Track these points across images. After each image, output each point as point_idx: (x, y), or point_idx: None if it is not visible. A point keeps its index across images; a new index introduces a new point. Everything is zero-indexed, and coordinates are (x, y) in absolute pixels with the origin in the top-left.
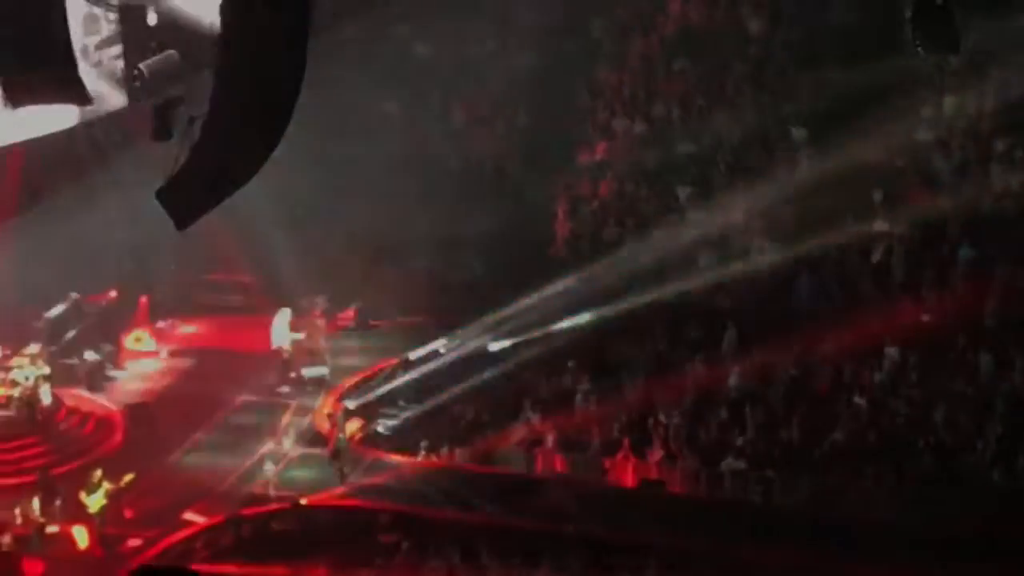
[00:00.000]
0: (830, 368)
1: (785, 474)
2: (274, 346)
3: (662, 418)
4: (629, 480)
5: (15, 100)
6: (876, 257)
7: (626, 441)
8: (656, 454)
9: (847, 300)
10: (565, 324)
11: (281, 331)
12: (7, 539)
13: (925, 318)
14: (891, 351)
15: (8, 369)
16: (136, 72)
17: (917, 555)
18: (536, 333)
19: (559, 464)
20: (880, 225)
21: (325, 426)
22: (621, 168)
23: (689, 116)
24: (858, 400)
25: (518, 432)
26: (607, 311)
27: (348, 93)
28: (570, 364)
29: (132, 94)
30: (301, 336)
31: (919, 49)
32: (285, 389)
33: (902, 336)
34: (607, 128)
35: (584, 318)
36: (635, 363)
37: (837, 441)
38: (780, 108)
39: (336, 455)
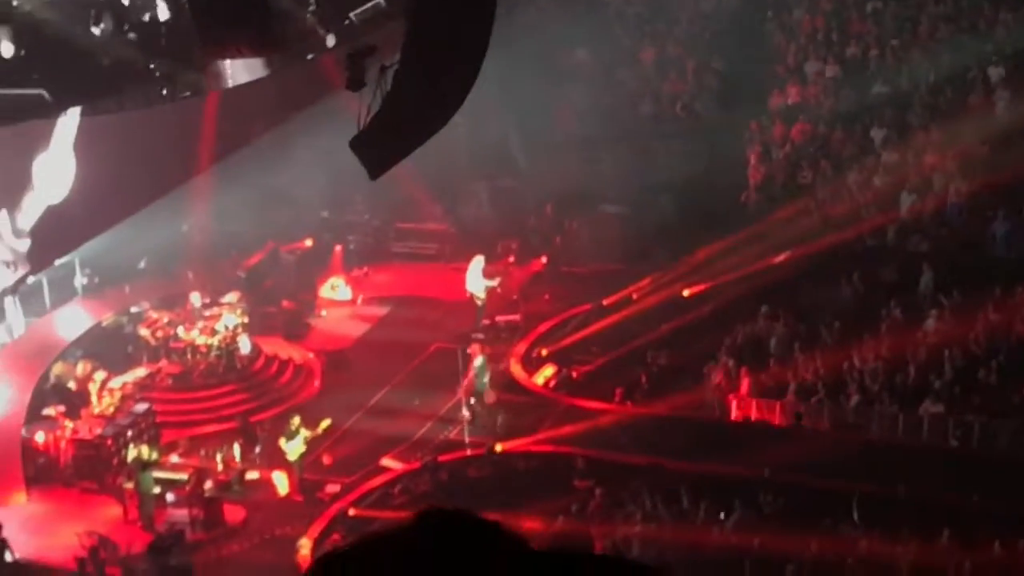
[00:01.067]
0: None
1: (984, 418)
2: (468, 293)
3: (858, 362)
4: (825, 425)
5: (212, 53)
6: None
7: (821, 386)
8: (852, 398)
9: None
10: (759, 269)
11: (475, 278)
12: (209, 485)
13: None
14: None
15: (208, 318)
16: (347, 21)
17: None
18: (730, 278)
19: (754, 409)
20: None
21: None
22: (814, 111)
23: (883, 57)
24: None
25: (713, 377)
26: (801, 255)
27: (539, 40)
28: (763, 309)
29: (339, 41)
30: (494, 283)
31: None
32: (479, 336)
33: None
34: (800, 71)
35: (778, 262)
36: (830, 307)
37: None
38: (977, 47)
39: (473, 398)
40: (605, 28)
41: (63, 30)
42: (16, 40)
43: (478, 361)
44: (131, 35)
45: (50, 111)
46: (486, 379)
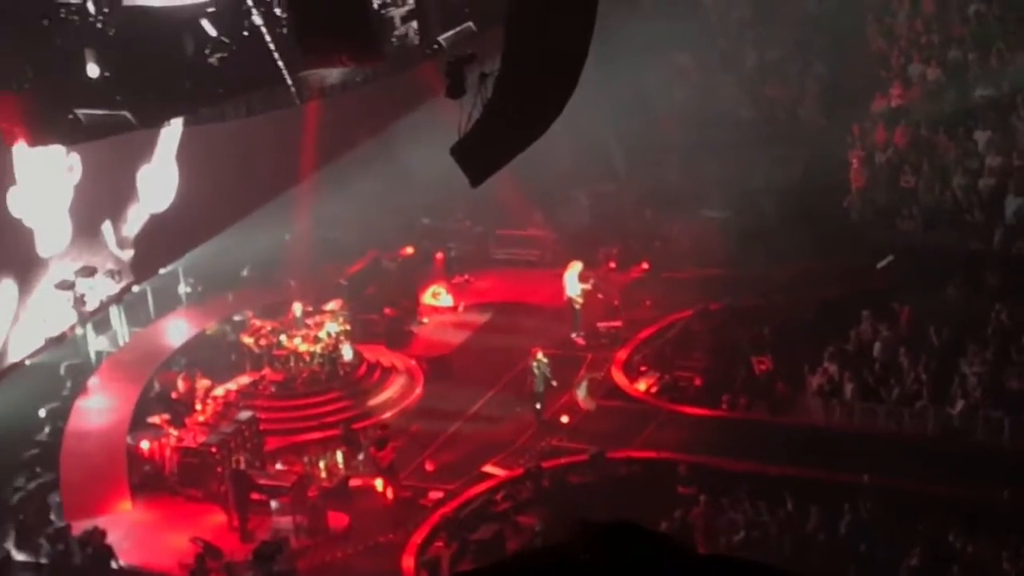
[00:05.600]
0: None
1: None
2: (567, 299)
3: (963, 367)
4: (929, 431)
5: (312, 63)
6: None
7: (926, 391)
8: (957, 404)
9: None
10: (862, 273)
11: (573, 284)
12: (313, 492)
13: None
14: None
15: (311, 326)
16: (436, 45)
17: None
18: (831, 282)
19: (857, 414)
20: None
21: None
22: (917, 114)
23: (987, 60)
24: None
25: (816, 382)
26: (905, 259)
27: (639, 44)
28: (864, 313)
29: (436, 51)
30: (589, 285)
31: None
32: (578, 340)
33: None
34: (902, 74)
35: (881, 266)
36: (934, 311)
37: None
38: None
39: (535, 397)
40: (706, 32)
41: (147, 53)
42: (102, 62)
43: (535, 363)
44: (214, 57)
45: (134, 129)
46: (550, 380)
